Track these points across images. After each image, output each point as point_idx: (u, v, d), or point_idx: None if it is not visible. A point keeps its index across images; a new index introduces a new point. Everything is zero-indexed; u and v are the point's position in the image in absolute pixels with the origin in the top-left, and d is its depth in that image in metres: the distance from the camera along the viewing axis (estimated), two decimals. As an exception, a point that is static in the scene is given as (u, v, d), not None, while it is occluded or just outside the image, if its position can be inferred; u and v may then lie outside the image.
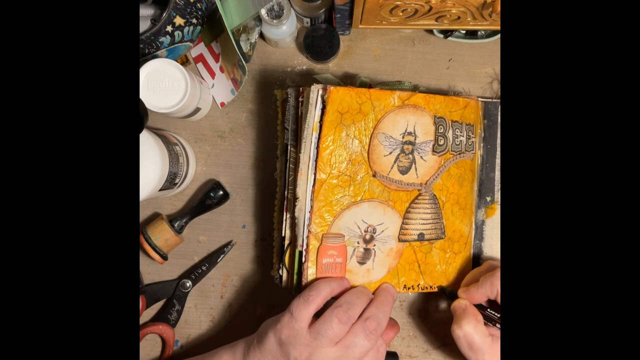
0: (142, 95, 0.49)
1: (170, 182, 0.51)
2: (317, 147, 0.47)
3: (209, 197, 0.57)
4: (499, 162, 0.56)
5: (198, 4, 0.50)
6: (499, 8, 0.48)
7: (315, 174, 0.47)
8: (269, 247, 0.58)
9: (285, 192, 0.50)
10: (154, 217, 0.58)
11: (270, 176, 0.57)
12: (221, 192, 0.57)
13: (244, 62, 0.51)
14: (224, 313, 0.58)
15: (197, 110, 0.55)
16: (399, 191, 0.50)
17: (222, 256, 0.58)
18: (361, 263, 0.49)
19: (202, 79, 0.58)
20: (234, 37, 0.50)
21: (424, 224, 0.51)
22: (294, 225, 0.48)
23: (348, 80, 0.59)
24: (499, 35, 0.57)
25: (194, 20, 0.50)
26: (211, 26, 0.57)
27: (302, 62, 0.59)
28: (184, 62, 0.59)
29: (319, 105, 0.47)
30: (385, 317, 0.45)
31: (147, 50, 0.49)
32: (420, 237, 0.51)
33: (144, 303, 0.57)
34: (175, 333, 0.58)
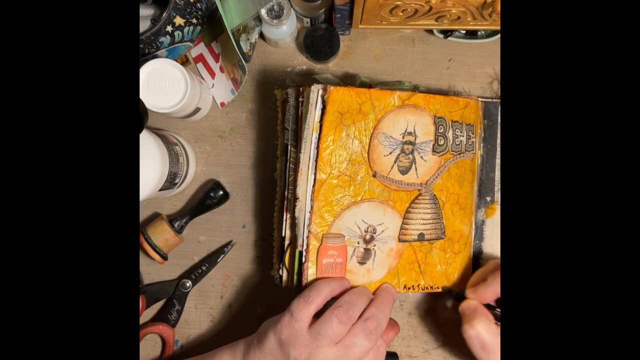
0: (142, 95, 0.49)
1: (170, 182, 0.51)
2: (317, 147, 0.47)
3: (209, 197, 0.57)
4: (499, 162, 0.56)
5: (198, 4, 0.50)
6: (499, 8, 0.48)
7: (315, 174, 0.47)
8: (269, 247, 0.58)
9: (286, 192, 0.50)
10: (154, 217, 0.58)
11: (270, 176, 0.57)
12: (221, 192, 0.57)
13: (244, 62, 0.51)
14: (224, 313, 0.58)
15: (197, 110, 0.55)
16: (399, 191, 0.50)
17: (222, 256, 0.58)
18: (361, 263, 0.49)
19: (202, 79, 0.58)
20: (234, 37, 0.50)
21: (424, 224, 0.51)
22: (294, 226, 0.48)
23: (348, 80, 0.59)
24: (499, 35, 0.57)
25: (194, 20, 0.50)
26: (211, 26, 0.57)
27: (302, 62, 0.59)
28: (184, 62, 0.59)
29: (319, 105, 0.47)
30: (386, 317, 0.45)
31: (147, 50, 0.49)
32: (421, 237, 0.51)
33: (144, 303, 0.57)
34: (175, 333, 0.58)
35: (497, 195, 0.56)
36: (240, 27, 0.55)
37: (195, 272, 0.57)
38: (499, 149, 0.56)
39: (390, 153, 0.49)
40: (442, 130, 0.51)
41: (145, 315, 0.58)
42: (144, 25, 0.54)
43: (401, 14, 0.50)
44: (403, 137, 0.50)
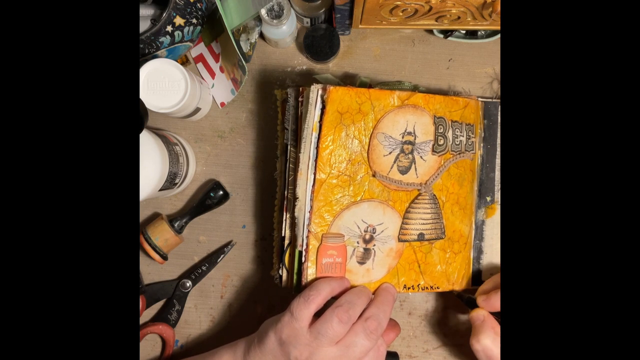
0: (142, 95, 0.49)
1: (170, 182, 0.51)
2: (317, 147, 0.47)
3: (209, 197, 0.57)
4: (499, 162, 0.56)
5: (198, 4, 0.51)
6: (499, 8, 0.48)
7: (315, 174, 0.47)
8: (269, 247, 0.58)
9: (285, 192, 0.50)
10: (154, 217, 0.58)
11: (270, 176, 0.57)
12: (221, 192, 0.57)
13: (244, 62, 0.51)
14: (224, 313, 0.58)
15: (197, 110, 0.55)
16: (398, 191, 0.50)
17: (222, 256, 0.58)
18: (361, 263, 0.49)
19: (202, 79, 0.58)
20: (234, 37, 0.50)
21: (423, 223, 0.51)
22: (293, 225, 0.48)
23: (348, 80, 0.59)
24: (499, 35, 0.57)
25: (194, 20, 0.50)
26: (211, 26, 0.57)
27: (302, 62, 0.59)
28: (184, 62, 0.59)
29: (319, 105, 0.47)
30: (386, 317, 0.45)
31: (147, 50, 0.49)
32: (420, 237, 0.51)
33: (144, 303, 0.57)
34: (175, 333, 0.58)
35: (497, 195, 0.56)
36: (240, 27, 0.55)
37: (195, 272, 0.57)
38: (499, 149, 0.56)
39: (390, 153, 0.49)
40: (441, 130, 0.51)
41: (145, 315, 0.58)
42: (144, 25, 0.54)
43: (401, 14, 0.50)
44: (403, 137, 0.50)
